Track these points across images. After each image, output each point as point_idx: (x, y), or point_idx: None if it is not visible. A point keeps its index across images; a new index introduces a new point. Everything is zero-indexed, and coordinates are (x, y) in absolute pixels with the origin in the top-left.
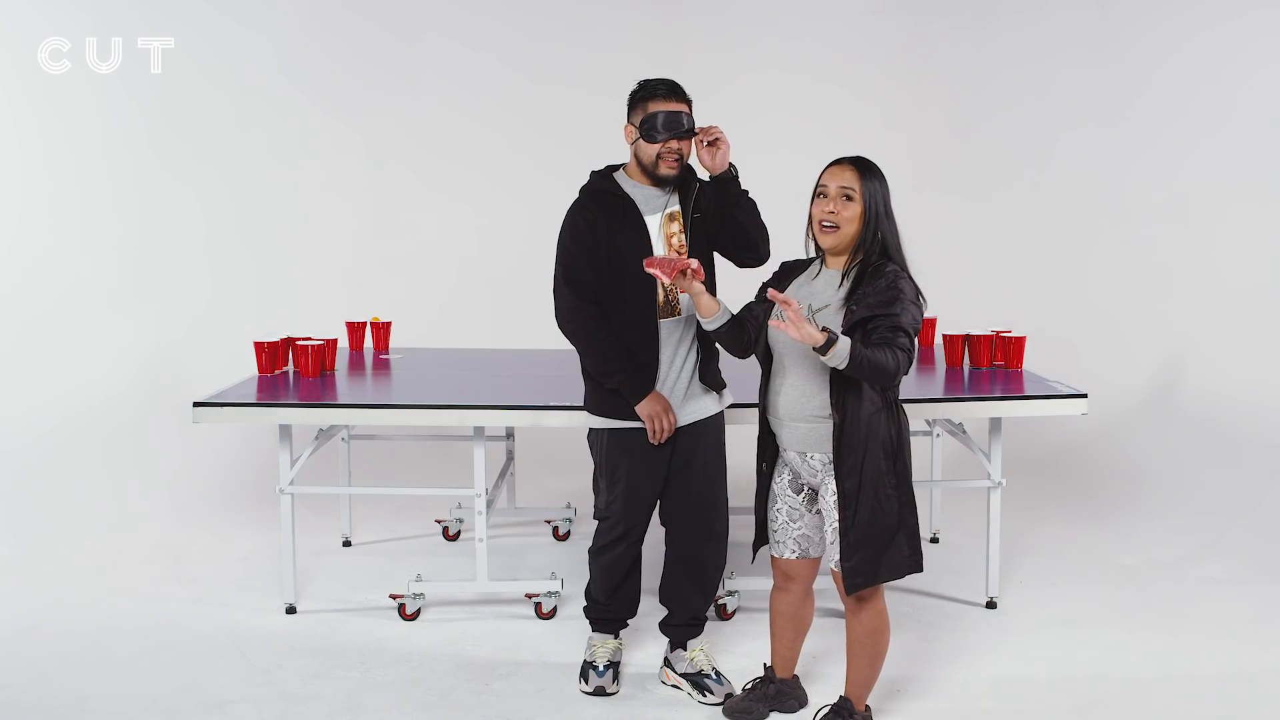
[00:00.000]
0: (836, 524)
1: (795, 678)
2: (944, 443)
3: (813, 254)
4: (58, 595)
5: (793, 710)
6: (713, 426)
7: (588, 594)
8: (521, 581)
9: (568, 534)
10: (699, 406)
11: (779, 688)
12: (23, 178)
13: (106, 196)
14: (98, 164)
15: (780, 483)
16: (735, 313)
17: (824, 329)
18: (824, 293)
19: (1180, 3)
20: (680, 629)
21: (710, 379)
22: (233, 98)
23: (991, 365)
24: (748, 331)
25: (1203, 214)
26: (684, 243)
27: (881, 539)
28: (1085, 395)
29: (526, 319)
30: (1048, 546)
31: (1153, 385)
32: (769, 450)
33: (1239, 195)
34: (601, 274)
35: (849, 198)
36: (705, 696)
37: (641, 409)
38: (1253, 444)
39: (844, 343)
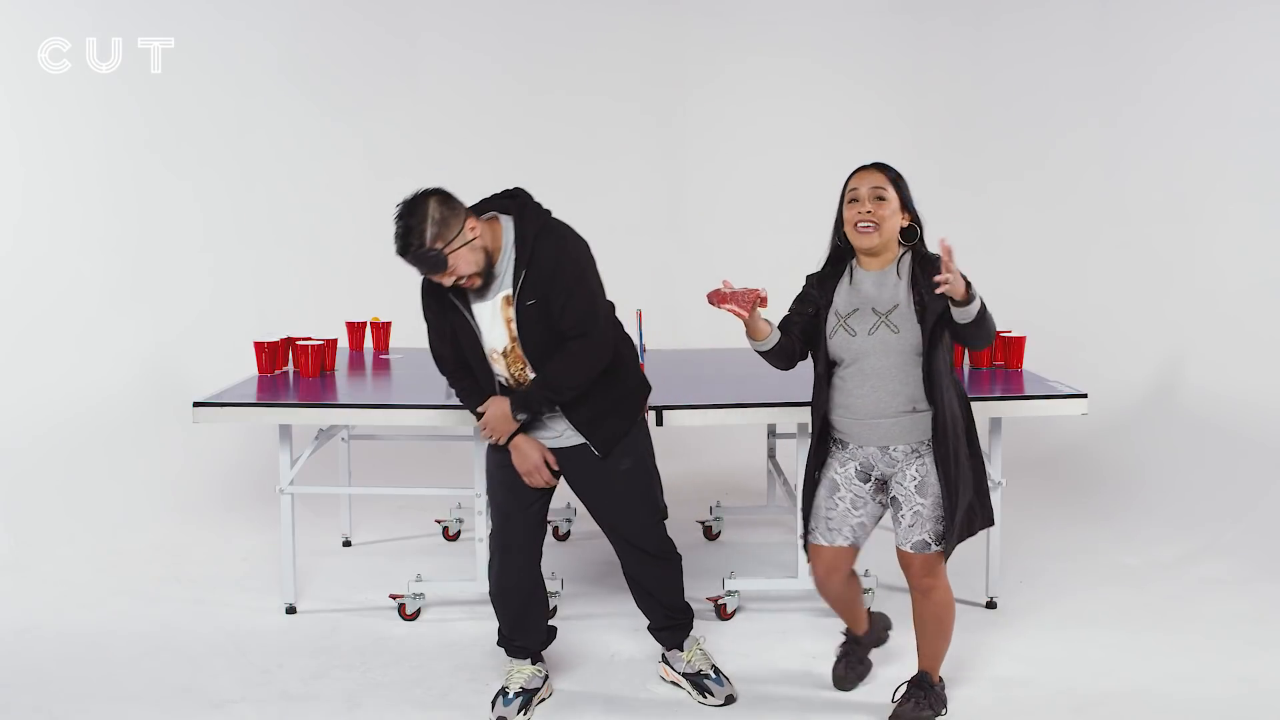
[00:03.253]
0: (918, 509)
1: (872, 619)
2: None
3: (829, 260)
4: (58, 595)
5: (885, 640)
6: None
7: (499, 628)
8: None
9: (568, 534)
10: (568, 435)
11: (870, 637)
12: (22, 178)
13: (106, 196)
14: (97, 164)
15: (844, 473)
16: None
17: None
18: (881, 295)
19: (1180, 1)
20: (664, 632)
21: (596, 436)
22: (233, 98)
23: (991, 365)
24: (794, 344)
25: (1202, 213)
26: (516, 333)
27: (964, 506)
28: (1085, 395)
29: None
30: (1048, 546)
31: (1153, 385)
32: (820, 456)
33: (1239, 194)
34: (454, 346)
35: (882, 197)
36: (706, 698)
37: (517, 464)
38: (1253, 444)
39: (978, 297)
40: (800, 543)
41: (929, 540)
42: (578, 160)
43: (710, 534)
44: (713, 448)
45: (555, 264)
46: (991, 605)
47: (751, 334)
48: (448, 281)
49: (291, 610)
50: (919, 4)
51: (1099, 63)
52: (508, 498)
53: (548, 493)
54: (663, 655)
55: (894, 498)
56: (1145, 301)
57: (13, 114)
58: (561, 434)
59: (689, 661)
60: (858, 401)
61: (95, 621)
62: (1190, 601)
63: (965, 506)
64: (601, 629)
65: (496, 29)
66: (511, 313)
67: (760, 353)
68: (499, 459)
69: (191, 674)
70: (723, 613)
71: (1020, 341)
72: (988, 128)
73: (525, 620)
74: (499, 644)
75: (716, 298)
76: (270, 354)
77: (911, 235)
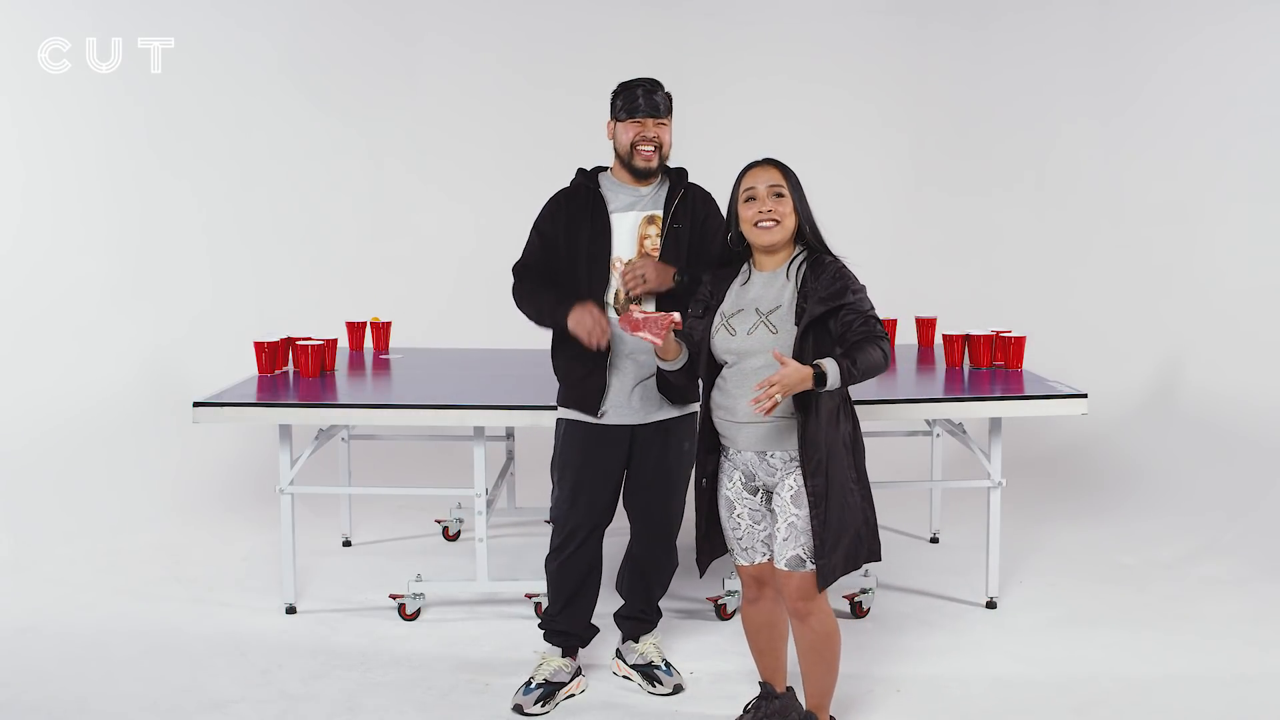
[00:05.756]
0: (792, 520)
1: (790, 690)
2: (944, 443)
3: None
4: (58, 595)
5: None
6: (674, 431)
7: (546, 607)
8: (521, 581)
9: None
10: (661, 409)
11: (782, 703)
12: (23, 178)
13: (106, 196)
14: (98, 164)
15: (733, 488)
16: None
17: (813, 364)
18: (767, 295)
19: (1179, 3)
20: (632, 622)
21: (672, 393)
22: (233, 98)
23: (991, 365)
24: (696, 360)
25: (1202, 214)
26: (656, 246)
27: (849, 533)
28: (1085, 395)
29: (526, 318)
30: (1048, 546)
31: (1152, 385)
32: (709, 464)
33: (1238, 195)
34: (558, 265)
35: (780, 194)
36: (655, 687)
37: (570, 322)
38: (1252, 444)
39: (831, 367)
40: (700, 570)
41: (804, 556)
42: (578, 161)
43: None
44: None
45: (707, 199)
46: (991, 605)
47: (662, 355)
48: (650, 132)
49: (291, 610)
50: (919, 6)
51: (1098, 64)
52: (594, 482)
53: (619, 485)
54: (617, 650)
55: (771, 509)
56: (1145, 302)
57: (13, 114)
58: (643, 409)
59: (641, 653)
60: (736, 403)
61: (95, 621)
62: (1190, 601)
63: (852, 536)
64: (602, 629)
65: (497, 28)
66: (652, 230)
67: (668, 372)
68: (584, 444)
69: (191, 674)
70: (723, 613)
71: (1020, 341)
72: (987, 129)
73: (576, 603)
74: (540, 625)
75: (629, 324)
76: (270, 354)
77: (802, 236)
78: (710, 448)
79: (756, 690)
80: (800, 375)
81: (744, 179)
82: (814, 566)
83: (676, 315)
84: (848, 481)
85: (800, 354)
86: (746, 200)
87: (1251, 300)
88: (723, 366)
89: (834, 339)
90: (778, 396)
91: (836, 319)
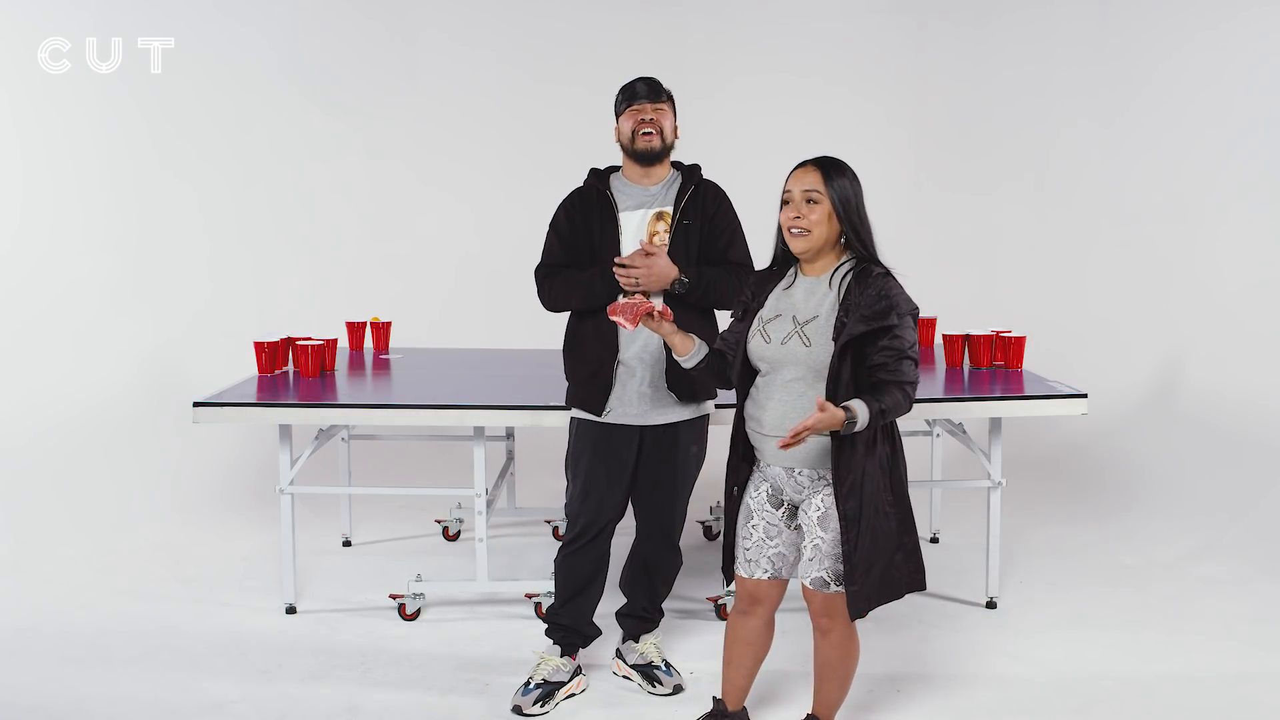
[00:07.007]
0: (817, 543)
1: (744, 709)
2: (944, 443)
3: (775, 262)
4: (58, 595)
5: None
6: (684, 433)
7: (551, 602)
8: (521, 581)
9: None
10: (668, 410)
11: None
12: (23, 178)
13: (106, 196)
14: (98, 164)
15: (757, 497)
16: (712, 345)
17: (842, 406)
18: (806, 304)
19: (1181, 2)
20: (633, 621)
21: (680, 388)
22: (233, 98)
23: (991, 365)
24: (728, 360)
25: (1202, 214)
26: (665, 242)
27: (882, 559)
28: (1085, 395)
29: (526, 318)
30: (1048, 546)
31: (1153, 385)
32: (742, 472)
33: (1239, 195)
34: (581, 261)
35: (814, 200)
36: (655, 687)
37: (635, 261)
38: (1253, 444)
39: (861, 411)
40: (724, 580)
41: (827, 579)
42: (579, 159)
43: (710, 534)
44: (714, 448)
45: (719, 199)
46: (991, 605)
47: (672, 349)
48: (648, 115)
49: (291, 610)
50: (919, 6)
51: (1099, 63)
52: (602, 480)
53: (629, 484)
54: (617, 650)
55: (799, 525)
56: (1145, 301)
57: (13, 114)
58: (650, 411)
59: (642, 653)
60: (765, 414)
61: (95, 621)
62: (1190, 601)
63: (885, 563)
64: (603, 629)
65: (496, 27)
66: (660, 227)
67: (688, 370)
68: (593, 443)
69: (191, 674)
70: (722, 613)
71: (1020, 341)
72: (988, 128)
73: (581, 599)
74: (544, 619)
75: (610, 309)
76: (270, 354)
77: (849, 243)
78: (744, 456)
79: (753, 699)
80: (832, 421)
81: (787, 180)
82: (839, 589)
83: (659, 304)
84: (883, 505)
85: (837, 373)
86: (784, 204)
87: (1252, 299)
88: (757, 374)
89: (867, 367)
90: (806, 435)
91: (875, 347)
